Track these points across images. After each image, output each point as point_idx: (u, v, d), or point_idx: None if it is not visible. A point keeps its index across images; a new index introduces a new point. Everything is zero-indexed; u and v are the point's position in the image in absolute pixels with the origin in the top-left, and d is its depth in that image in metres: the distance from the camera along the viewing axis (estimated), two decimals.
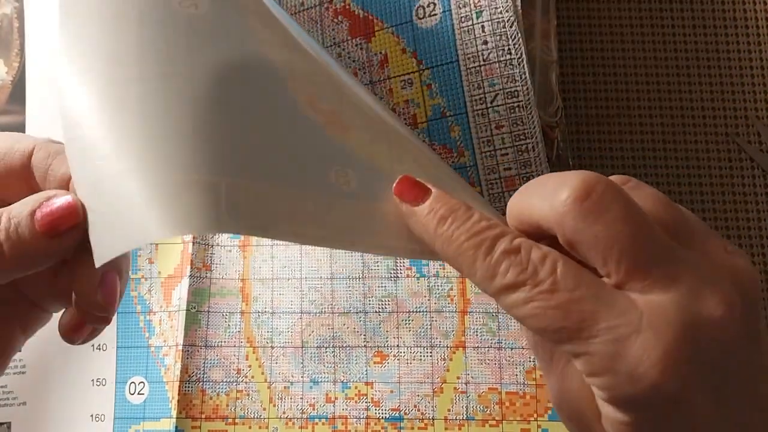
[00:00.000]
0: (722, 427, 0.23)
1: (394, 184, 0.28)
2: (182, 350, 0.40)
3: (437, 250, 0.27)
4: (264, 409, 0.40)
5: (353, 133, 0.30)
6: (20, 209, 0.27)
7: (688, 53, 0.47)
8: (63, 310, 0.30)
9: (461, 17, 0.39)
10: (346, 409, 0.39)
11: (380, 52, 0.40)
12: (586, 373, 0.24)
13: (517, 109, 0.38)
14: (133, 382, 0.41)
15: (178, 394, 0.40)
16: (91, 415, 0.41)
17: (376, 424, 0.39)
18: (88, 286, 0.28)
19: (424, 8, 0.39)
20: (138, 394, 0.41)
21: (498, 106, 0.38)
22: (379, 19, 0.40)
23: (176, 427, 0.39)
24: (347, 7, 0.41)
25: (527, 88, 0.38)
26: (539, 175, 0.38)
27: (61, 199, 0.27)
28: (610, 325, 0.23)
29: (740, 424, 0.24)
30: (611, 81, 0.46)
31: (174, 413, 0.40)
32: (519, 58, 0.38)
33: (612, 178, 0.26)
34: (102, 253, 0.24)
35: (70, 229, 0.27)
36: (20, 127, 0.44)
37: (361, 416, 0.39)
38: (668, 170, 0.45)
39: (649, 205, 0.26)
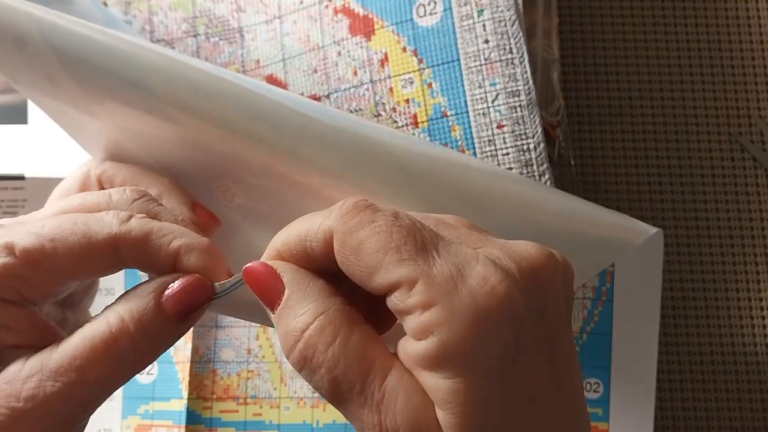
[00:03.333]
0: (554, 396, 0.23)
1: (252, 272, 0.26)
2: (193, 331, 0.40)
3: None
4: (275, 389, 0.40)
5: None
6: (142, 302, 0.26)
7: (690, 52, 0.46)
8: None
9: (462, 16, 0.38)
10: None
11: (380, 51, 0.40)
12: (422, 303, 0.22)
13: (518, 108, 0.38)
14: None
15: (189, 375, 0.40)
16: None
17: None
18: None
19: (424, 6, 0.39)
20: (147, 374, 0.41)
21: (499, 105, 0.38)
22: (379, 17, 0.40)
23: (187, 407, 0.40)
24: (347, 5, 0.40)
25: (529, 88, 0.37)
26: (540, 175, 0.38)
27: (188, 277, 0.26)
28: (452, 251, 0.23)
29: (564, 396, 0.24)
30: (613, 80, 0.46)
31: (185, 394, 0.40)
32: (520, 57, 0.38)
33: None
34: None
35: (203, 304, 0.26)
36: (22, 107, 0.44)
37: None
38: (670, 170, 0.45)
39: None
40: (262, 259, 0.26)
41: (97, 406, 0.26)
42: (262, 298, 0.25)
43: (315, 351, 0.23)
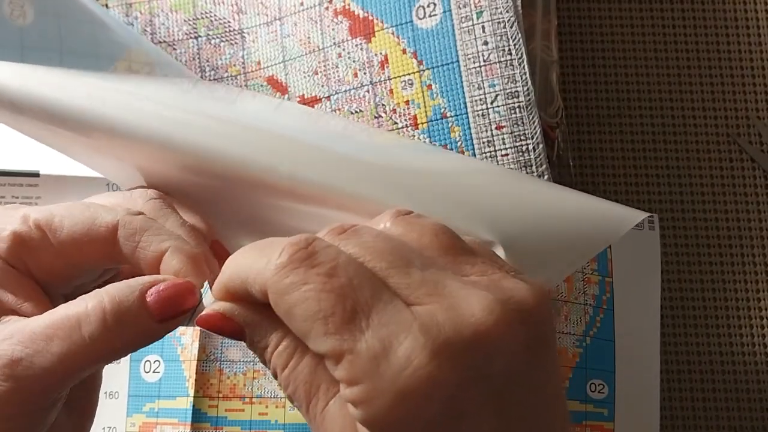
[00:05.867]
0: None
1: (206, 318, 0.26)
2: (200, 330, 0.41)
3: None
4: (280, 389, 0.41)
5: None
6: (127, 291, 0.26)
7: (688, 53, 0.47)
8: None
9: (461, 17, 0.39)
10: None
11: (380, 53, 0.40)
12: (346, 380, 0.22)
13: (517, 109, 0.38)
14: (148, 360, 0.41)
15: (196, 374, 0.40)
16: (106, 393, 0.41)
17: None
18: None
19: (424, 8, 0.39)
20: (153, 372, 0.41)
21: (498, 106, 0.38)
22: (379, 19, 0.40)
23: (193, 406, 0.40)
24: (347, 7, 0.41)
25: (528, 89, 0.38)
26: (539, 176, 0.38)
27: (178, 281, 0.26)
28: (384, 318, 0.22)
29: None
30: (612, 81, 0.46)
31: (191, 392, 0.40)
32: (519, 58, 0.38)
33: (330, 230, 0.25)
34: None
35: (187, 311, 0.26)
36: None
37: None
38: (669, 171, 0.45)
39: (415, 237, 0.25)
40: (216, 283, 0.26)
41: (61, 389, 0.26)
42: (228, 337, 0.26)
43: (276, 372, 0.25)
